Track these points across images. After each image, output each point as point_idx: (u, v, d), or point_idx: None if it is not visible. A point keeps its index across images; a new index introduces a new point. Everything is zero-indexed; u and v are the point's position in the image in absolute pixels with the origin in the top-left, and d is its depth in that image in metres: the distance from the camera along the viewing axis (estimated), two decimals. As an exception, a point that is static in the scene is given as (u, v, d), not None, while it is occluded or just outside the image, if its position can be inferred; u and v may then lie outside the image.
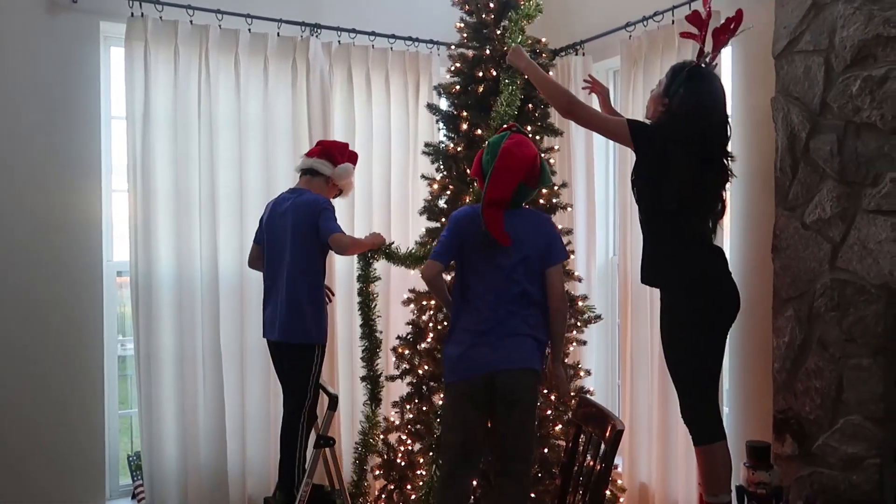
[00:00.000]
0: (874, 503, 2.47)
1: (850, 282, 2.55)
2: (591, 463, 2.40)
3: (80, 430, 3.27)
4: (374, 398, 3.13)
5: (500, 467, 2.57)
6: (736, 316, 2.50)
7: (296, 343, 2.91)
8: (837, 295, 2.59)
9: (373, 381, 3.12)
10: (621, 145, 2.81)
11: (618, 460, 3.47)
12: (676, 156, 2.36)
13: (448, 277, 2.82)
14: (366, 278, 3.09)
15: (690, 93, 2.41)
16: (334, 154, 3.07)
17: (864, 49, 2.49)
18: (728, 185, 2.53)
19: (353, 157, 3.19)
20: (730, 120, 2.51)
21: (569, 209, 3.35)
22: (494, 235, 2.41)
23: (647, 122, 2.55)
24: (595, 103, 3.00)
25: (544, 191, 3.12)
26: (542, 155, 2.74)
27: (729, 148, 2.51)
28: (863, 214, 2.51)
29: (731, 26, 2.48)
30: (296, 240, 2.89)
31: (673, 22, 3.22)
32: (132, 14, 3.21)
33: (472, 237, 2.49)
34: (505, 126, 2.63)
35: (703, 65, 2.49)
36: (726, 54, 3.11)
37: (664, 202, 2.41)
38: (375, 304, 3.12)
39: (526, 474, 2.55)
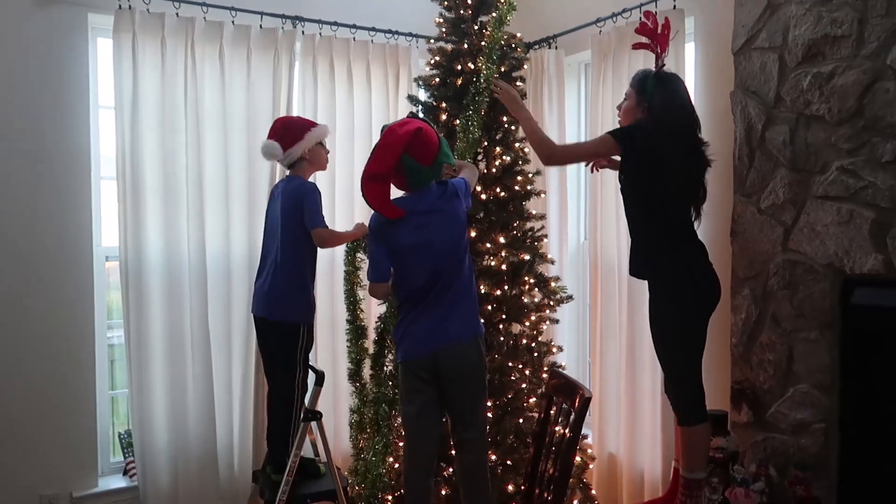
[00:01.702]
0: (819, 464, 2.70)
1: (799, 262, 2.77)
2: (562, 431, 2.60)
3: (73, 411, 3.36)
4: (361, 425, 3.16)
5: (456, 439, 2.69)
6: (716, 305, 2.68)
7: (275, 321, 3.05)
8: (789, 274, 2.80)
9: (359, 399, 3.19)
10: (594, 139, 2.97)
11: (588, 432, 3.67)
12: (668, 150, 2.54)
13: None
14: (351, 270, 3.17)
15: (666, 91, 2.62)
16: (286, 139, 3.06)
17: (813, 47, 2.69)
18: (708, 171, 2.69)
19: (302, 130, 3.09)
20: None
21: (542, 195, 3.52)
22: (376, 208, 2.50)
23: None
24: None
25: (519, 178, 3.30)
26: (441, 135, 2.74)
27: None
28: (812, 200, 2.72)
29: (667, 33, 2.69)
30: (285, 223, 3.04)
31: (640, 19, 3.39)
32: (120, 6, 3.29)
33: (392, 235, 2.59)
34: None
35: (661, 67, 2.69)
36: (689, 52, 3.31)
37: (661, 195, 2.57)
38: (362, 300, 3.19)
39: (482, 439, 2.67)
